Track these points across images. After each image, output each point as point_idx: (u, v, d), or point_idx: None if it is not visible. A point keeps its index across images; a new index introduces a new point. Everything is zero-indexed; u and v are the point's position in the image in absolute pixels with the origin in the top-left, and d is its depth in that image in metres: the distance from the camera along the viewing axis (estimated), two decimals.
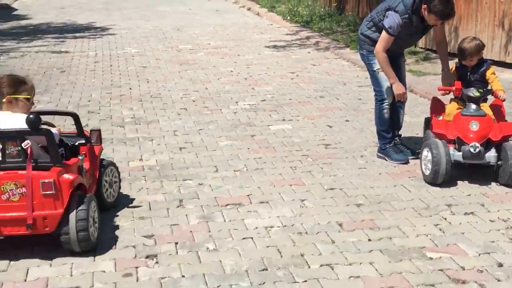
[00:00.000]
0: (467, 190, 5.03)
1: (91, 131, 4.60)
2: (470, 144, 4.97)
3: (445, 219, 4.51)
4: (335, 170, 5.51)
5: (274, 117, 7.25)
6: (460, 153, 5.04)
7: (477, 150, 4.94)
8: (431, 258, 3.93)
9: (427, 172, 5.08)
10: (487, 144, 5.06)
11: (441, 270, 3.78)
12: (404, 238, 4.22)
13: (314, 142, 6.32)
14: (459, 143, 5.11)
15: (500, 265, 3.83)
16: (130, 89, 8.65)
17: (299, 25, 14.23)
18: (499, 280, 3.65)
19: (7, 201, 3.79)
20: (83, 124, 6.93)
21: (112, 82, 9.09)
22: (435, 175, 4.97)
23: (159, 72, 9.75)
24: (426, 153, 5.11)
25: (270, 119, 7.17)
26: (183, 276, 3.77)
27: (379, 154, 5.81)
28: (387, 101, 5.70)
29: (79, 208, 3.89)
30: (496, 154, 5.02)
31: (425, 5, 5.26)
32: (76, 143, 4.43)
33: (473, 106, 5.17)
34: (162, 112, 7.48)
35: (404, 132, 6.30)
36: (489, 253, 3.98)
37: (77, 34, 13.46)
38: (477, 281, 3.65)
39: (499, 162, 5.02)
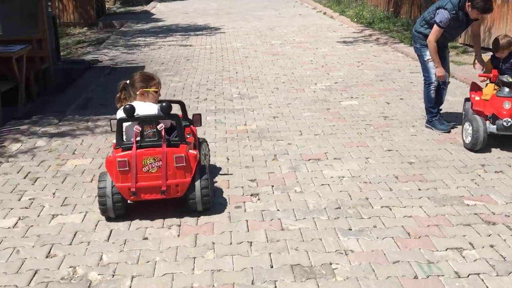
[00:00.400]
0: (498, 154, 4.80)
1: (193, 115, 4.29)
2: (504, 119, 4.73)
3: (479, 175, 4.34)
4: (392, 136, 5.38)
5: (344, 95, 7.13)
6: (494, 126, 4.80)
7: (509, 124, 4.71)
8: (468, 205, 3.81)
9: (468, 141, 4.86)
10: None
11: (476, 214, 3.67)
12: (447, 189, 4.10)
13: (376, 114, 6.18)
14: (493, 118, 4.85)
15: None
16: (236, 73, 8.71)
17: (364, 25, 13.79)
18: None
19: (147, 172, 3.62)
20: (203, 98, 7.10)
21: (223, 67, 9.17)
22: (475, 143, 4.77)
23: (257, 60, 9.74)
24: (467, 126, 4.88)
25: (341, 96, 7.06)
26: (278, 210, 3.83)
27: (427, 125, 5.62)
28: (433, 84, 5.52)
29: (203, 177, 3.71)
30: None
31: (469, 3, 5.05)
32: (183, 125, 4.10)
33: (506, 89, 4.88)
34: (260, 90, 7.50)
35: (447, 108, 6.07)
36: None
37: (197, 32, 13.61)
38: (505, 223, 3.52)
39: None
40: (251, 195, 4.09)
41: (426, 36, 5.43)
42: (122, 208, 3.67)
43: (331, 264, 3.11)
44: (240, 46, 11.39)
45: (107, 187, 3.62)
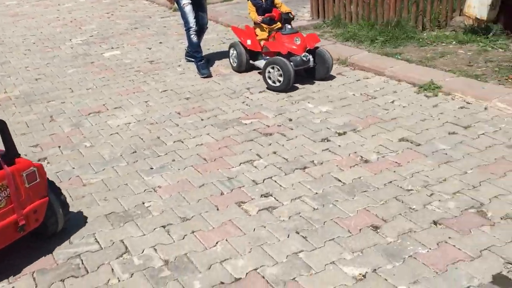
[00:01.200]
0: (257, 77, 5.21)
1: None
2: (302, 54, 4.71)
3: (248, 97, 4.71)
4: (163, 78, 5.43)
5: (104, 47, 6.83)
6: (292, 63, 4.70)
7: (308, 58, 4.74)
8: (246, 124, 4.13)
9: (278, 84, 4.69)
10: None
11: (255, 129, 4.01)
12: (225, 114, 4.36)
13: (141, 60, 6.11)
14: (288, 56, 4.76)
15: (290, 119, 4.16)
16: None
17: None
18: (291, 129, 3.98)
19: None
20: None
21: None
22: (288, 83, 4.64)
23: None
24: (271, 70, 4.72)
25: (102, 48, 6.75)
26: (73, 168, 3.59)
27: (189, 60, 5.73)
28: (193, 28, 5.47)
29: (57, 190, 2.81)
30: (313, 59, 4.83)
31: None
32: None
33: (289, 26, 4.85)
34: (10, 55, 6.67)
35: (206, 46, 6.34)
36: (281, 114, 4.27)
37: None
38: (279, 132, 3.94)
39: (315, 64, 4.87)
40: (39, 160, 3.72)
41: None
42: None
43: (143, 203, 3.09)
44: None
45: None
